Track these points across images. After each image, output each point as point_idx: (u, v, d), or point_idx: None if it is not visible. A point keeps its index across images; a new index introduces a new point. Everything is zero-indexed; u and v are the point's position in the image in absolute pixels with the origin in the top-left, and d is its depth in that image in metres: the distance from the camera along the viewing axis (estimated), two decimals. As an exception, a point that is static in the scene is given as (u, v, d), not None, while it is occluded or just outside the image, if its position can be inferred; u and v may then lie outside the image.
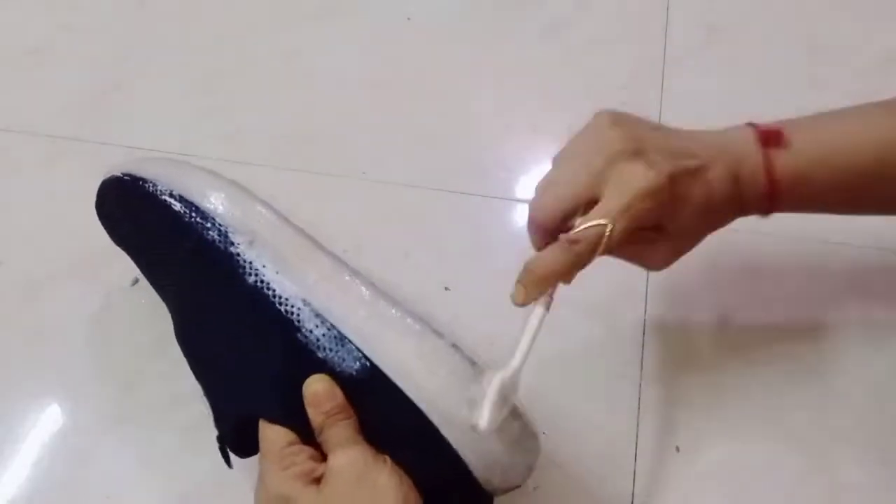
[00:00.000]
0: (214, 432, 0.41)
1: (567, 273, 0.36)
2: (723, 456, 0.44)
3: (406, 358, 0.36)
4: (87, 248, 0.53)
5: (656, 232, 0.38)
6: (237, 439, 0.38)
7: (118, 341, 0.49)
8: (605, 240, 0.34)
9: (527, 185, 0.55)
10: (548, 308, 0.36)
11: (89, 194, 0.56)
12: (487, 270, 0.50)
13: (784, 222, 0.51)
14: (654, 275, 0.49)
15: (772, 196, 0.38)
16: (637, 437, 0.44)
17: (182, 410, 0.46)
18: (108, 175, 0.45)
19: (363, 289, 0.38)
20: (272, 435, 0.35)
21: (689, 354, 0.47)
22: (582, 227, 0.35)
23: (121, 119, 0.60)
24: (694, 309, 0.48)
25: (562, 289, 0.50)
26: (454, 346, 0.37)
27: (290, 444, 0.35)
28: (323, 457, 0.35)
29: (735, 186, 0.38)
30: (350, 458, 0.34)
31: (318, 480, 0.34)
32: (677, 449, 0.44)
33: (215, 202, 0.41)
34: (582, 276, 0.50)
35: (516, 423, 0.36)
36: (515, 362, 0.35)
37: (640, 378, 0.46)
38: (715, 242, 0.50)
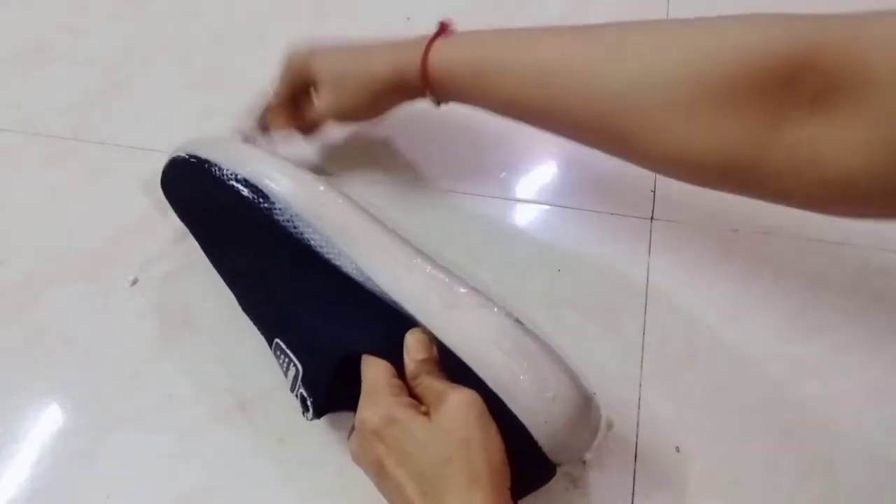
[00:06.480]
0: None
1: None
2: (723, 456, 0.44)
3: (470, 333, 0.37)
4: (87, 248, 0.53)
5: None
6: (334, 380, 0.38)
7: (118, 341, 0.49)
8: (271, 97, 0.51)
9: (527, 185, 0.55)
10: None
11: (89, 194, 0.56)
12: (487, 270, 0.50)
13: (783, 221, 0.51)
14: (654, 275, 0.49)
15: (425, 82, 0.44)
16: (637, 437, 0.44)
17: (181, 411, 0.46)
18: (175, 154, 0.46)
19: (429, 268, 0.40)
20: (380, 367, 0.37)
21: (689, 354, 0.47)
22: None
23: (121, 119, 0.60)
24: (694, 308, 0.48)
25: (563, 289, 0.50)
26: (517, 320, 0.38)
27: (395, 377, 0.37)
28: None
29: (396, 74, 0.45)
30: (471, 397, 0.35)
31: (424, 414, 0.35)
32: (677, 449, 0.44)
33: (280, 185, 0.42)
34: (582, 277, 0.50)
35: (576, 391, 0.37)
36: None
37: (640, 378, 0.46)
38: (715, 242, 0.51)
